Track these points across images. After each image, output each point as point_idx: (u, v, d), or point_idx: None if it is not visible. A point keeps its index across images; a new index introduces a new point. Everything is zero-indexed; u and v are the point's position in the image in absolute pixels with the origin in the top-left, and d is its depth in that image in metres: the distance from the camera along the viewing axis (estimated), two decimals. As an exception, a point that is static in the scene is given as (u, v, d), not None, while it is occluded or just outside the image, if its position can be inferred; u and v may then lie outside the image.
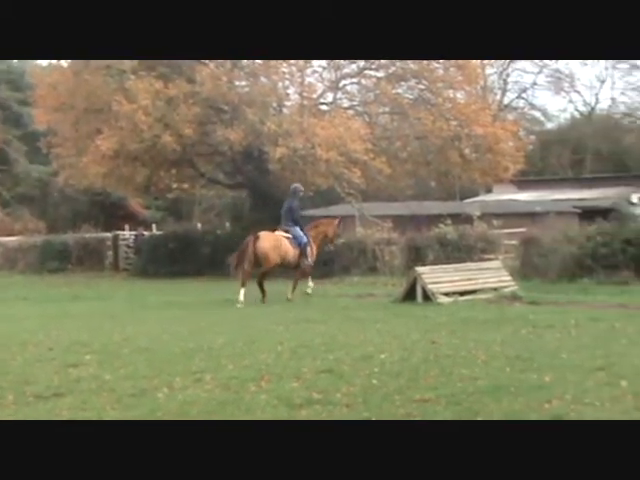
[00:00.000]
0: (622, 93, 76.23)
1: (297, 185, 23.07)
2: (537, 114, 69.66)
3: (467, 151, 32.69)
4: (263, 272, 21.92)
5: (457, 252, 26.30)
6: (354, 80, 35.20)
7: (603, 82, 76.53)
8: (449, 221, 28.34)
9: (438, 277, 20.20)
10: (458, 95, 35.46)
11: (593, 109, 68.69)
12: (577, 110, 70.31)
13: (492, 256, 25.25)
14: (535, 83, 66.53)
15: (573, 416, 7.88)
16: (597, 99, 72.51)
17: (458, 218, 29.73)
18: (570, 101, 78.76)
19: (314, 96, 33.47)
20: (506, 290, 20.31)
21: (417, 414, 8.18)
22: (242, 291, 20.86)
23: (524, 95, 67.27)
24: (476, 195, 50.64)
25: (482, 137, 32.03)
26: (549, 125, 70.47)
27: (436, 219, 29.91)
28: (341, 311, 18.52)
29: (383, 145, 33.21)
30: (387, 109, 34.63)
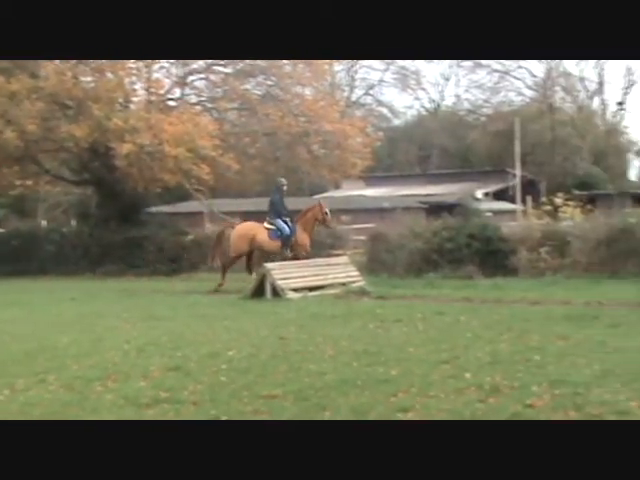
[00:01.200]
0: (466, 90, 77.85)
1: (280, 179, 24.20)
2: (384, 111, 70.81)
3: (315, 147, 32.84)
4: (232, 258, 23.52)
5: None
6: (202, 76, 34.97)
7: (448, 80, 77.99)
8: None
9: (287, 273, 20.23)
10: (306, 91, 35.58)
11: (439, 106, 70.12)
12: (423, 107, 71.72)
13: (340, 252, 25.43)
14: (382, 80, 67.56)
15: (418, 408, 7.98)
16: (442, 96, 73.90)
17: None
18: (416, 98, 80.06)
19: (161, 92, 33.10)
20: (354, 285, 20.50)
21: (265, 410, 8.17)
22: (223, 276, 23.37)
23: (371, 92, 68.29)
24: (325, 191, 51.09)
25: (330, 133, 32.21)
26: (396, 122, 71.74)
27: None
28: (189, 308, 18.36)
29: (232, 141, 33.08)
30: (235, 105, 34.49)
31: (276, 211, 23.11)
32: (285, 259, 22.69)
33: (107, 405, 8.73)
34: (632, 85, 61.62)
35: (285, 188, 23.73)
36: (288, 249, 23.07)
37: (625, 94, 61.84)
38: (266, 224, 23.21)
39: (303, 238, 23.21)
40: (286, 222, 23.05)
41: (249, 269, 23.33)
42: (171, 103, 34.02)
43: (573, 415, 7.53)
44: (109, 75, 30.79)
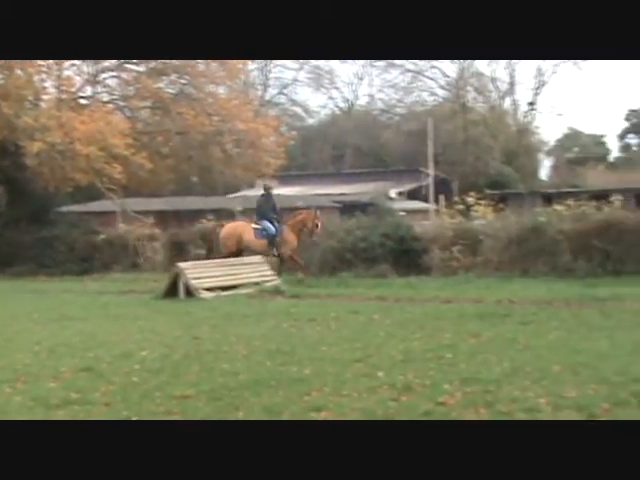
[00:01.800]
0: (380, 90, 78.04)
1: (266, 183, 25.34)
2: (298, 110, 70.76)
3: (229, 146, 32.78)
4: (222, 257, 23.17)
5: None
6: (114, 74, 34.64)
7: (361, 79, 78.33)
8: (211, 216, 28.37)
9: (200, 272, 20.15)
10: (220, 90, 35.55)
11: (352, 106, 70.36)
12: (337, 106, 71.88)
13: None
14: (296, 79, 67.52)
15: (332, 407, 7.99)
16: (356, 96, 74.07)
17: (220, 213, 29.82)
18: (330, 97, 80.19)
19: (72, 90, 32.72)
20: (268, 285, 20.50)
21: (177, 411, 8.11)
22: None
23: (285, 91, 68.20)
24: (238, 190, 50.90)
25: (244, 132, 32.23)
26: (310, 121, 71.78)
27: (199, 214, 29.91)
28: (102, 308, 18.15)
29: (144, 140, 32.84)
30: (148, 104, 34.27)
31: (260, 213, 23.69)
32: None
33: (16, 407, 8.58)
34: (542, 85, 62.30)
35: (272, 191, 24.40)
36: (274, 248, 23.34)
37: (536, 94, 62.54)
38: (253, 224, 23.74)
39: (291, 238, 23.41)
40: (272, 222, 23.38)
41: None
42: (82, 101, 33.64)
43: (484, 412, 7.61)
44: (18, 72, 30.31)
